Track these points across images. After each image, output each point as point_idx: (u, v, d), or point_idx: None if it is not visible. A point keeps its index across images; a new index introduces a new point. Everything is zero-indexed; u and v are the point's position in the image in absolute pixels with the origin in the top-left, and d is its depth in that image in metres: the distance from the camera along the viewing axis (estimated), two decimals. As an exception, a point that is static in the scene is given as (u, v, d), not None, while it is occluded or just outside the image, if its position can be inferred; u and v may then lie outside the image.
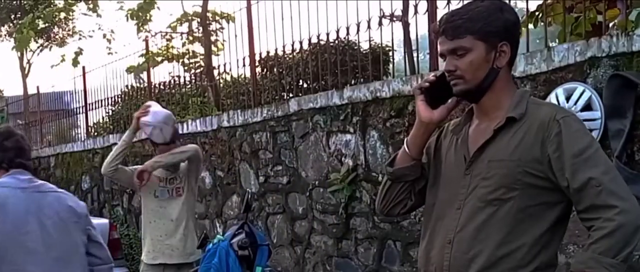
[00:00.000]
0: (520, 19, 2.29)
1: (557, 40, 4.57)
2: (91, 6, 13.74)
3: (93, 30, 17.23)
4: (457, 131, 2.31)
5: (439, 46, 2.25)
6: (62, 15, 15.96)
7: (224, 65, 8.49)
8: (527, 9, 4.88)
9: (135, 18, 10.79)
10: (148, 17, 10.91)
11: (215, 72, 9.06)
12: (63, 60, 12.51)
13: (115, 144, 10.11)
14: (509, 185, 2.12)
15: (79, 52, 12.33)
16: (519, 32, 2.25)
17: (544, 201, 2.12)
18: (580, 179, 2.04)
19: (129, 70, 10.33)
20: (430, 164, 2.38)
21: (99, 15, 14.05)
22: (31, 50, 18.17)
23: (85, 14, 16.76)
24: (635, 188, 3.18)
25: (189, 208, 5.40)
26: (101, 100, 11.64)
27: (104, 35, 14.45)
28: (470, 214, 2.17)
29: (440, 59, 2.39)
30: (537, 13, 4.92)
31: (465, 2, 2.32)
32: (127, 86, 11.01)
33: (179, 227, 5.33)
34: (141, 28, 10.98)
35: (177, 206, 5.34)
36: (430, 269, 2.27)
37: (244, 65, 7.70)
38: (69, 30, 18.50)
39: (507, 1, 4.78)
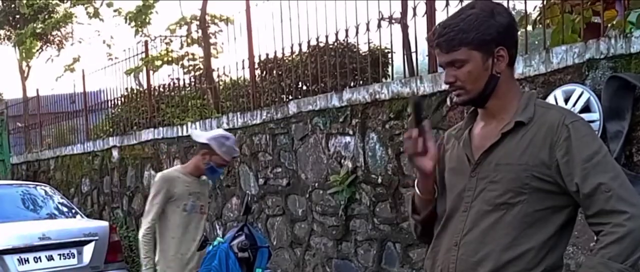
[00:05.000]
0: (515, 19, 2.27)
1: (550, 41, 4.57)
2: (91, 12, 13.74)
3: (91, 37, 17.28)
4: (459, 135, 2.31)
5: (437, 58, 2.24)
6: (59, 17, 15.97)
7: (223, 67, 8.52)
8: (526, 10, 4.89)
9: (133, 21, 10.81)
10: (147, 20, 10.93)
11: (215, 74, 9.07)
12: (66, 70, 12.57)
13: (114, 146, 10.19)
14: (517, 189, 2.12)
15: (76, 59, 12.37)
16: (515, 32, 2.22)
17: (551, 205, 2.12)
18: (590, 185, 2.03)
19: (128, 72, 10.35)
20: (437, 174, 2.39)
21: (101, 20, 14.02)
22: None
23: (81, 23, 16.79)
24: (635, 189, 3.19)
25: (203, 229, 5.14)
26: (101, 103, 11.66)
27: (104, 41, 14.47)
28: (476, 217, 2.17)
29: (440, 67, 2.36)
30: (536, 16, 4.94)
31: (458, 8, 2.29)
32: (127, 89, 11.03)
33: (195, 245, 5.05)
34: (139, 30, 11.00)
35: (199, 224, 5.09)
36: None
37: (243, 68, 7.73)
38: (66, 34, 18.51)
39: (503, 1, 4.79)
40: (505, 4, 4.95)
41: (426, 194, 2.33)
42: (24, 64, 18.26)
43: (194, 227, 5.03)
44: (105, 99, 11.39)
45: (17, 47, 15.85)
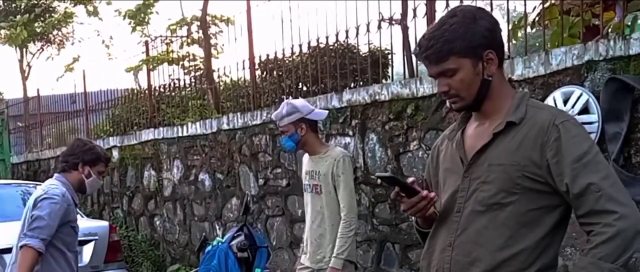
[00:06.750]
0: (497, 21, 2.25)
1: (549, 44, 4.58)
2: (91, 9, 13.77)
3: (91, 37, 17.32)
4: (451, 137, 2.33)
5: (427, 69, 2.26)
6: (59, 16, 15.99)
7: (224, 68, 8.53)
8: (525, 12, 4.90)
9: (131, 18, 10.84)
10: (146, 19, 10.95)
11: (215, 75, 9.08)
12: (66, 70, 12.61)
13: (115, 146, 10.19)
14: (509, 189, 2.13)
15: (76, 59, 12.41)
16: (500, 34, 2.22)
17: (543, 204, 2.13)
18: (579, 185, 2.04)
19: (129, 70, 10.38)
20: (432, 177, 2.41)
21: (100, 19, 14.09)
22: (31, 52, 18.19)
23: (82, 23, 16.82)
24: (633, 191, 3.20)
25: (328, 212, 4.46)
26: (102, 103, 11.67)
27: (103, 41, 14.52)
28: (470, 217, 2.18)
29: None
30: (535, 17, 4.95)
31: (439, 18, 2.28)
32: (127, 89, 11.05)
33: (312, 227, 4.54)
34: (136, 28, 11.02)
35: (316, 204, 4.51)
36: None
37: (243, 68, 7.74)
38: (67, 33, 18.55)
39: (503, 2, 4.79)
40: (504, 5, 4.99)
41: (424, 224, 2.38)
42: (25, 63, 18.26)
43: (310, 208, 4.56)
44: (106, 99, 11.41)
45: (6, 31, 15.71)
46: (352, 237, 4.35)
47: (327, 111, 4.61)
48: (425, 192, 2.21)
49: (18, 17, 15.77)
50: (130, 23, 10.97)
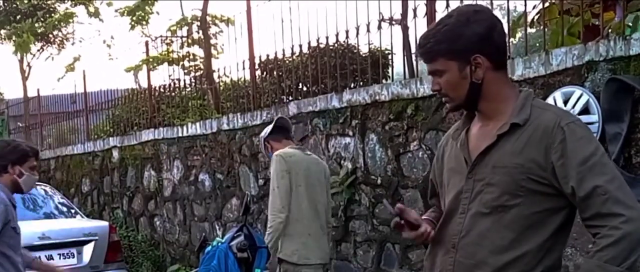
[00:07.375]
0: (496, 24, 2.20)
1: (549, 43, 4.58)
2: (92, 10, 13.78)
3: (92, 37, 17.34)
4: (456, 136, 2.32)
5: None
6: (60, 15, 16.01)
7: (224, 68, 8.52)
8: (525, 12, 4.89)
9: (129, 15, 10.85)
10: (146, 17, 10.96)
11: (215, 75, 9.08)
12: (67, 71, 12.61)
13: (115, 146, 10.19)
14: (513, 191, 2.11)
15: (77, 59, 12.41)
16: (495, 38, 2.17)
17: (548, 207, 2.12)
18: (585, 188, 2.02)
19: (128, 70, 10.39)
20: (437, 176, 2.41)
21: (101, 20, 14.09)
22: (31, 53, 18.21)
23: (82, 23, 16.81)
24: (633, 192, 3.19)
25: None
26: (102, 103, 11.67)
27: (104, 41, 14.53)
28: (474, 219, 2.17)
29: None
30: (534, 17, 4.95)
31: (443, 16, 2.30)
32: (127, 89, 11.04)
33: None
34: (135, 26, 11.03)
35: None
36: None
37: (243, 69, 7.73)
38: (67, 34, 18.56)
39: (503, 2, 4.77)
40: (505, 4, 4.98)
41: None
42: (25, 63, 18.27)
43: None
44: (106, 99, 11.41)
45: (11, 40, 15.76)
46: (271, 235, 4.45)
47: (271, 124, 4.97)
48: (423, 229, 2.27)
49: (19, 17, 15.79)
50: (130, 22, 10.98)
